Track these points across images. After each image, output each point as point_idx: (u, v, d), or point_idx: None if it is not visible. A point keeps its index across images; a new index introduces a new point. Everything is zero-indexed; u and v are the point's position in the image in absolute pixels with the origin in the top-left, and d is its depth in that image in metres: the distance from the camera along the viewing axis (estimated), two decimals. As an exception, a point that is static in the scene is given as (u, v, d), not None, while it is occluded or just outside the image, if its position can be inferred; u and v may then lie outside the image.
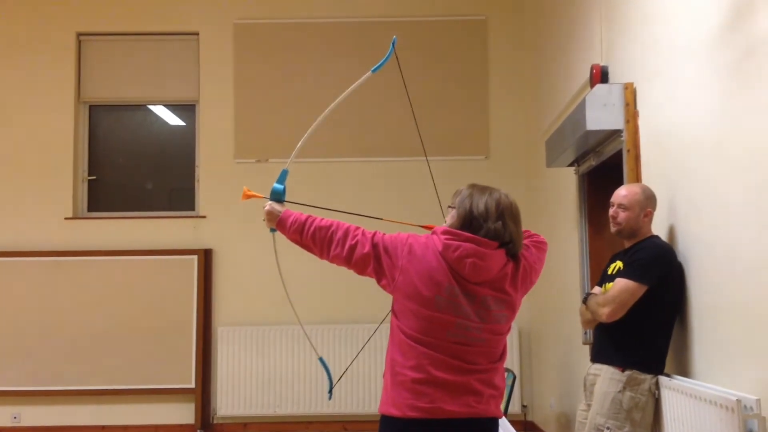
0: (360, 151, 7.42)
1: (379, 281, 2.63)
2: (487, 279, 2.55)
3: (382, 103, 7.37)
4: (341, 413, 6.97)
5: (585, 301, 3.71)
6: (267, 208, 2.90)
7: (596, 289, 3.73)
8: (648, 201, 3.59)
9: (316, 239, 2.71)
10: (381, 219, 3.13)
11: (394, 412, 2.54)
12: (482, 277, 2.54)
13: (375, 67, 3.31)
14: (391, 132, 7.37)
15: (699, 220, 3.30)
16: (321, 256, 2.74)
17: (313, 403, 7.00)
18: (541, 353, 6.71)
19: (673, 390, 3.28)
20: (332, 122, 7.21)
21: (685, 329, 3.44)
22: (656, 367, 3.45)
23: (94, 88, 7.60)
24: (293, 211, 2.85)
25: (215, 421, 7.11)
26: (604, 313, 3.47)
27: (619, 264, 3.60)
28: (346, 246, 2.65)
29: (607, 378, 3.48)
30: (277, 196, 2.87)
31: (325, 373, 3.62)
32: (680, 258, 3.48)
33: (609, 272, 3.67)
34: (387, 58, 3.34)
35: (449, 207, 2.70)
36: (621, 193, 3.63)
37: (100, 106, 7.68)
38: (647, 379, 3.40)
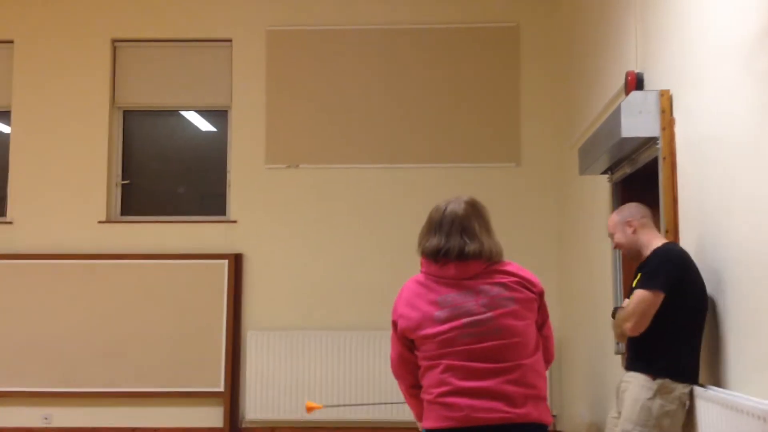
0: (385, 157, 7.42)
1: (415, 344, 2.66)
2: (474, 274, 2.58)
3: (409, 108, 7.39)
4: (369, 419, 6.96)
5: (614, 315, 3.71)
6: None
7: (625, 302, 3.70)
8: (624, 216, 3.74)
9: (404, 391, 2.81)
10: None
11: (431, 424, 2.55)
12: (468, 273, 2.58)
13: None
14: (419, 138, 7.37)
15: (735, 226, 3.25)
16: (411, 384, 2.74)
17: (341, 409, 6.99)
18: (572, 362, 6.65)
19: (708, 401, 3.23)
20: (358, 128, 7.28)
21: (721, 338, 3.39)
22: (688, 376, 3.42)
23: (129, 93, 7.69)
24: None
25: (243, 425, 7.14)
26: (628, 328, 3.49)
27: (639, 276, 3.61)
28: (394, 364, 2.76)
29: (638, 385, 3.46)
30: None
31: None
32: (715, 265, 3.43)
33: (633, 285, 3.65)
34: None
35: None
36: (608, 226, 3.88)
37: (135, 111, 7.77)
38: (678, 387, 3.38)
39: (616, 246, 3.83)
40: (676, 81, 3.98)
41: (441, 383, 2.51)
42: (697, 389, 3.35)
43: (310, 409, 3.21)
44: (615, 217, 3.83)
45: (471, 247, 2.58)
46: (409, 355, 2.66)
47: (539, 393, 2.54)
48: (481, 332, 2.50)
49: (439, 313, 2.53)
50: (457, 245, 2.59)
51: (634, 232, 3.70)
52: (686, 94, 3.86)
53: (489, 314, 2.51)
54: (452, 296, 2.55)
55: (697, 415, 3.33)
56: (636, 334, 3.47)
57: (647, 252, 3.62)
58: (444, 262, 2.60)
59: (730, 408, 3.02)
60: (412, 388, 2.71)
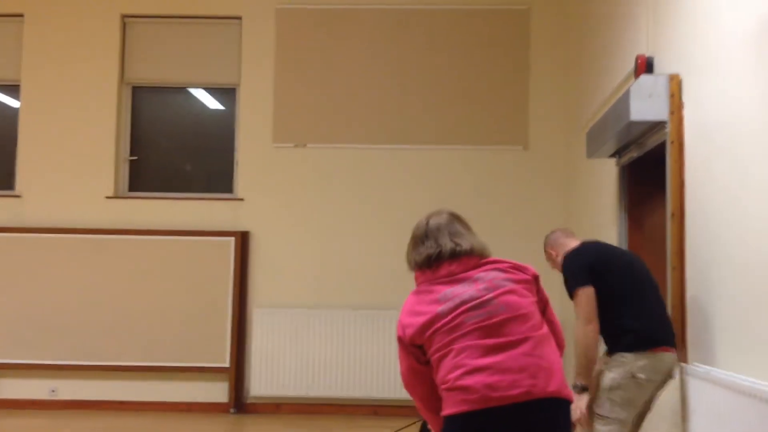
0: (392, 138, 7.43)
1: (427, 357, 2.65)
2: (471, 267, 2.64)
3: (419, 90, 7.40)
4: (372, 397, 7.03)
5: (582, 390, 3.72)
6: None
7: None
8: (548, 251, 4.11)
9: (420, 406, 2.76)
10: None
11: (449, 411, 2.49)
12: (465, 268, 2.64)
13: None
14: (427, 120, 7.38)
15: (741, 210, 3.26)
16: (424, 396, 2.71)
17: (346, 386, 7.07)
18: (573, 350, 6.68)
19: (702, 380, 3.26)
20: (367, 108, 7.27)
21: (722, 319, 3.42)
22: (635, 346, 3.56)
23: (138, 69, 7.70)
24: None
25: (248, 401, 7.21)
26: (584, 329, 3.62)
27: None
28: (405, 377, 2.73)
29: (600, 368, 3.68)
30: None
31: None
32: (722, 248, 3.45)
33: None
34: None
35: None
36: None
37: (143, 87, 7.78)
38: (627, 358, 3.54)
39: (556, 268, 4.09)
40: (686, 65, 3.98)
41: (455, 367, 2.48)
42: (689, 368, 3.43)
43: None
44: (549, 255, 4.13)
45: (462, 246, 2.66)
46: (419, 366, 2.65)
47: (554, 365, 2.50)
48: (487, 311, 2.51)
49: (442, 308, 2.55)
50: (448, 247, 2.66)
51: (557, 255, 4.00)
52: (696, 79, 3.86)
53: (490, 295, 2.54)
54: (451, 290, 2.58)
55: (688, 394, 3.37)
56: (595, 332, 3.62)
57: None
58: (437, 265, 2.65)
59: (729, 389, 3.06)
60: (427, 401, 2.68)
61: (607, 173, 5.48)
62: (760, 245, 3.08)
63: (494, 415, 2.40)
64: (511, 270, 2.65)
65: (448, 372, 2.49)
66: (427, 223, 2.76)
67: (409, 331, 2.60)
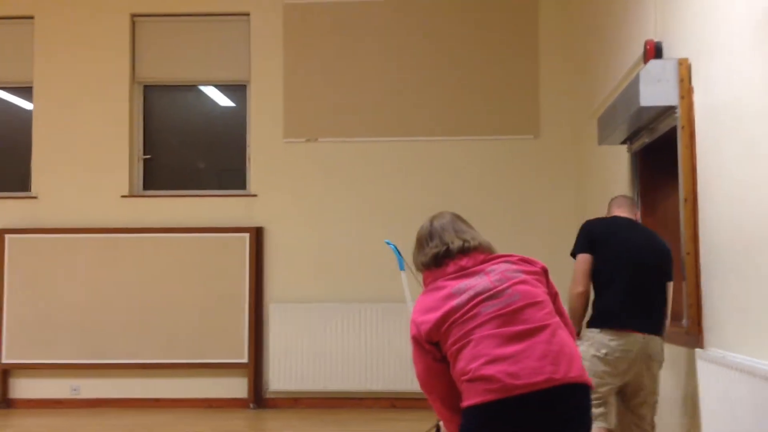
0: (403, 130, 7.43)
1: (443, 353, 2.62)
2: (481, 261, 2.65)
3: (429, 81, 7.39)
4: (390, 390, 7.05)
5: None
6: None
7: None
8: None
9: (439, 406, 2.71)
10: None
11: (471, 401, 2.46)
12: (476, 261, 2.65)
13: (400, 266, 3.79)
14: (434, 111, 7.38)
15: (754, 193, 3.25)
16: (443, 394, 2.67)
17: (363, 380, 7.09)
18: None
19: (714, 363, 3.26)
20: (373, 101, 7.26)
21: (735, 304, 3.41)
22: (600, 322, 3.90)
23: (148, 68, 7.74)
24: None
25: (267, 396, 7.25)
26: (571, 291, 3.98)
27: None
28: (422, 378, 2.68)
29: None
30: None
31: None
32: (733, 232, 3.43)
33: None
34: (398, 257, 3.81)
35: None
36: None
37: (155, 86, 7.82)
38: (594, 333, 3.88)
39: None
40: (695, 50, 3.96)
41: (475, 357, 2.45)
42: (704, 352, 3.48)
43: None
44: None
45: (470, 243, 2.69)
46: (436, 364, 2.61)
47: (573, 351, 2.51)
48: (503, 300, 2.52)
49: (457, 302, 2.54)
50: (456, 244, 2.68)
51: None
52: (705, 63, 3.84)
53: (504, 285, 2.55)
54: (464, 283, 2.58)
55: (703, 378, 3.38)
56: (584, 294, 3.99)
57: None
58: (446, 262, 2.67)
59: (735, 370, 3.06)
60: (447, 399, 2.63)
61: (618, 160, 5.46)
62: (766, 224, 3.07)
63: (518, 403, 2.39)
64: (520, 262, 2.67)
65: (468, 362, 2.47)
66: (431, 224, 2.79)
67: (425, 328, 2.58)
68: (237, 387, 7.24)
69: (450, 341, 2.54)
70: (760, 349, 3.16)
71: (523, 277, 2.60)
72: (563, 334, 2.52)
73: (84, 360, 7.25)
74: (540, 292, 2.59)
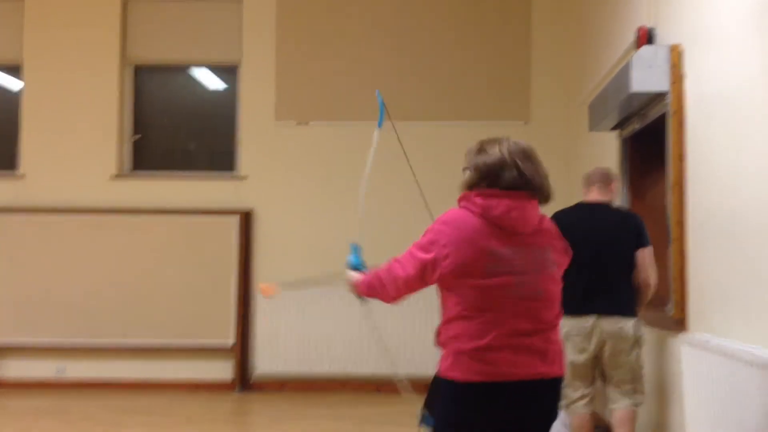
0: (394, 114, 7.36)
1: (436, 278, 2.56)
2: (532, 227, 2.56)
3: (421, 66, 7.36)
4: (376, 374, 7.05)
5: None
6: (347, 278, 2.93)
7: None
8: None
9: (384, 282, 2.68)
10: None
11: (459, 376, 2.50)
12: (527, 228, 2.55)
13: (379, 122, 3.54)
14: (430, 95, 7.36)
15: (741, 180, 3.25)
16: (397, 293, 2.66)
17: (350, 363, 7.09)
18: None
19: (698, 348, 3.28)
20: (366, 86, 7.23)
21: (720, 290, 3.42)
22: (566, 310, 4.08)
23: (140, 49, 7.69)
24: (361, 275, 2.85)
25: (253, 379, 7.24)
26: None
27: None
28: (410, 266, 2.58)
29: None
30: (354, 267, 2.92)
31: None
32: (720, 219, 3.45)
33: None
34: (381, 112, 3.55)
35: (464, 169, 2.66)
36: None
37: (146, 67, 7.77)
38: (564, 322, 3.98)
39: None
40: (688, 37, 3.95)
41: (480, 336, 2.47)
42: (688, 336, 3.55)
43: (266, 291, 3.12)
44: None
45: (539, 180, 2.57)
46: (422, 286, 2.59)
47: (561, 348, 2.64)
48: (526, 293, 2.51)
49: (490, 265, 2.48)
50: (517, 178, 2.53)
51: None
52: (697, 50, 3.83)
53: (535, 276, 2.53)
54: (505, 251, 2.49)
55: (687, 361, 3.40)
56: None
57: None
58: (507, 194, 2.51)
59: (727, 356, 3.07)
60: (398, 295, 2.65)
61: (609, 146, 5.47)
62: (759, 215, 3.07)
63: (507, 388, 2.49)
64: (559, 250, 2.65)
65: (472, 336, 2.48)
66: (509, 146, 2.57)
67: (449, 264, 2.48)
68: (223, 370, 7.23)
69: (458, 298, 2.51)
70: (744, 334, 3.18)
71: (554, 272, 2.60)
72: (555, 333, 2.60)
73: (70, 340, 7.22)
74: (558, 290, 2.62)
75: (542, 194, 2.59)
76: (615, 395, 4.18)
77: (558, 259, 2.63)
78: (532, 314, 2.52)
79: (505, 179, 2.52)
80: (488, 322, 2.48)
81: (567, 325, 4.11)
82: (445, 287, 2.57)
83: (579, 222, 4.15)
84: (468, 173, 2.61)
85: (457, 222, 2.53)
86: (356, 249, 3.04)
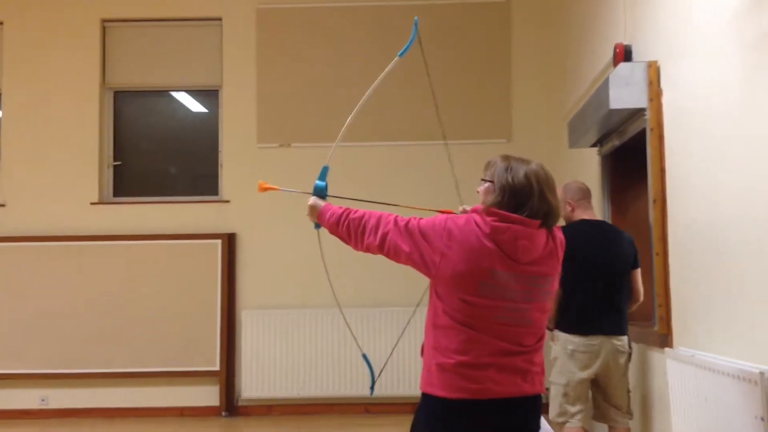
0: (380, 135, 7.42)
1: (420, 269, 2.57)
2: (534, 258, 2.52)
3: (403, 86, 7.37)
4: (364, 396, 7.01)
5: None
6: (310, 202, 2.98)
7: None
8: (566, 194, 4.36)
9: (350, 230, 2.73)
10: (397, 205, 3.15)
11: (440, 392, 2.51)
12: (531, 257, 2.51)
13: (401, 51, 3.31)
14: (412, 116, 7.37)
15: (720, 194, 3.28)
16: (356, 247, 2.75)
17: (337, 386, 7.05)
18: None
19: (683, 362, 3.28)
20: (351, 107, 7.24)
21: (703, 304, 3.43)
22: (568, 328, 4.23)
23: (119, 74, 7.67)
24: (333, 205, 2.90)
25: (240, 403, 7.18)
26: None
27: None
28: (378, 234, 2.63)
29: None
30: (319, 192, 2.94)
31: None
32: (702, 233, 3.47)
33: None
34: (412, 40, 3.31)
35: (483, 180, 2.63)
36: None
37: (125, 92, 7.75)
38: (561, 336, 4.24)
39: None
40: (664, 53, 3.99)
41: (463, 352, 2.48)
42: (669, 351, 3.56)
43: (263, 189, 3.11)
44: (560, 193, 4.29)
45: (556, 213, 2.57)
46: (403, 260, 2.58)
47: (543, 369, 2.65)
48: (514, 317, 2.51)
49: (485, 284, 2.46)
50: (543, 208, 2.51)
51: (572, 210, 4.37)
52: (674, 66, 3.87)
53: (526, 305, 2.52)
54: (503, 274, 2.46)
55: (672, 376, 3.41)
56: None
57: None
58: (522, 220, 2.48)
59: (709, 370, 3.08)
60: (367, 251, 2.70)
61: (589, 162, 5.50)
62: (739, 228, 3.09)
63: (491, 406, 2.50)
64: (556, 276, 2.63)
65: (456, 351, 2.49)
66: (538, 172, 2.56)
67: (446, 269, 2.47)
68: (209, 395, 7.16)
69: (447, 307, 2.52)
70: (727, 347, 3.19)
71: (545, 303, 2.59)
72: (539, 355, 2.62)
73: (53, 370, 7.13)
74: (545, 318, 2.63)
75: (552, 224, 2.58)
76: (615, 414, 4.26)
77: (552, 289, 2.62)
78: (514, 338, 2.52)
79: (529, 207, 2.50)
80: (471, 339, 2.48)
81: (573, 343, 4.19)
82: (436, 292, 2.57)
83: (592, 241, 4.22)
84: (490, 189, 2.57)
85: (465, 233, 2.48)
86: (325, 170, 3.06)
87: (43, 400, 7.19)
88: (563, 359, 4.23)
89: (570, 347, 4.19)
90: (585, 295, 4.18)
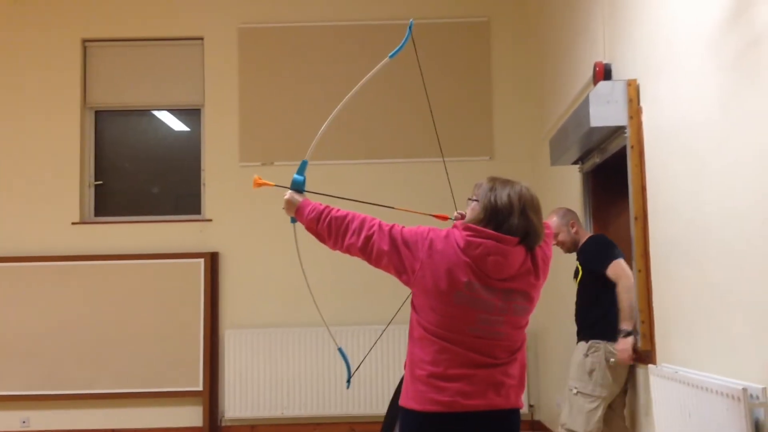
0: (366, 153, 7.45)
1: (398, 276, 2.60)
2: (510, 275, 2.54)
3: (387, 104, 7.41)
4: (349, 414, 6.99)
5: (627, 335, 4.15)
6: (287, 196, 2.96)
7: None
8: (565, 218, 4.63)
9: (331, 228, 2.73)
10: (392, 208, 3.16)
11: (414, 405, 2.54)
12: (504, 274, 2.53)
13: (392, 53, 3.31)
14: (397, 134, 7.40)
15: (700, 210, 3.31)
16: (334, 246, 2.75)
17: (321, 405, 7.02)
18: (547, 353, 6.71)
19: (667, 379, 3.30)
20: (338, 125, 7.25)
21: (685, 320, 3.45)
22: (608, 335, 4.26)
23: (100, 93, 7.65)
24: (312, 201, 2.88)
25: (223, 424, 7.13)
26: (631, 283, 4.16)
27: (578, 266, 4.60)
28: (362, 236, 2.65)
29: (578, 351, 4.43)
30: (297, 187, 2.92)
31: (340, 364, 3.64)
32: (683, 250, 3.50)
33: (577, 277, 4.63)
34: (404, 42, 3.33)
35: (469, 200, 2.68)
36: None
37: (106, 111, 7.73)
38: (601, 345, 4.28)
39: (559, 243, 4.63)
40: (644, 70, 4.04)
41: (435, 363, 2.51)
42: (652, 367, 3.62)
43: (258, 185, 3.10)
44: (556, 221, 4.62)
45: (537, 234, 2.58)
46: (384, 264, 2.61)
47: (520, 383, 2.63)
48: (487, 331, 2.52)
49: (459, 297, 2.49)
50: (522, 226, 2.53)
51: (576, 232, 4.64)
52: (653, 84, 3.91)
53: (501, 318, 2.53)
54: (479, 288, 2.49)
55: (651, 393, 3.43)
56: (632, 283, 4.17)
57: (580, 244, 4.61)
58: (496, 236, 2.50)
59: (693, 386, 3.10)
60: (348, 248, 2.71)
61: (571, 180, 5.53)
62: (720, 244, 3.12)
63: (463, 419, 2.51)
64: (537, 292, 2.61)
65: (428, 362, 2.52)
66: (521, 192, 2.59)
67: (421, 279, 2.51)
68: (192, 416, 7.10)
69: (422, 319, 2.55)
70: (710, 363, 3.21)
71: (522, 318, 2.59)
72: (516, 366, 2.61)
73: (34, 391, 7.06)
74: (521, 335, 2.63)
75: (533, 243, 2.58)
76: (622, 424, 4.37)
77: (530, 305, 2.60)
78: (488, 350, 2.54)
79: (509, 225, 2.53)
80: (444, 350, 2.51)
81: (605, 349, 4.29)
82: (413, 304, 2.60)
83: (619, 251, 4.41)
84: (475, 208, 2.62)
85: (445, 246, 2.53)
86: (304, 165, 3.06)
87: (24, 421, 7.11)
88: (603, 371, 4.25)
89: (613, 359, 4.21)
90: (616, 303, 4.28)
